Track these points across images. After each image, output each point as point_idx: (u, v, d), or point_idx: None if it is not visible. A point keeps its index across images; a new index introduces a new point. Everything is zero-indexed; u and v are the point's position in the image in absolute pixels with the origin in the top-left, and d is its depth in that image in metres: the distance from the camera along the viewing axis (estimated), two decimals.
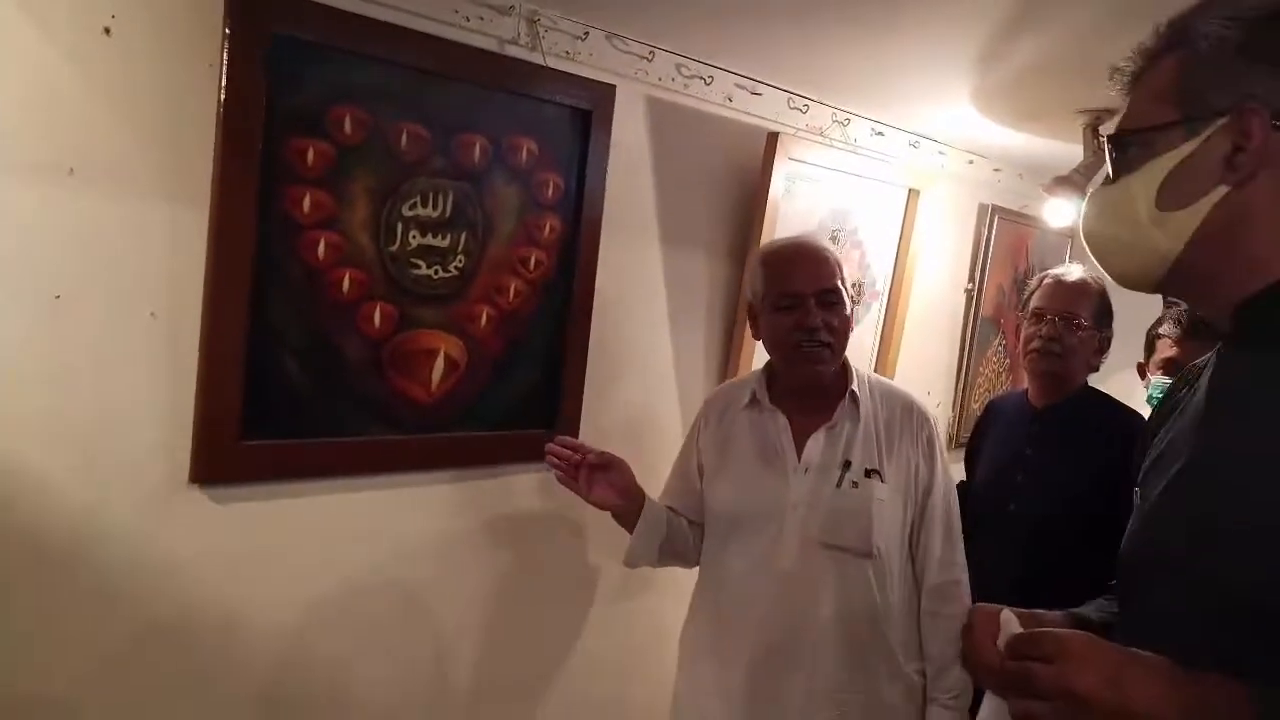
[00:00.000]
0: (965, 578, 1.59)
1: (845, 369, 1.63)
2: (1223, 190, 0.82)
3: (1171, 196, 0.85)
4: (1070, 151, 2.32)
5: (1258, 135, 0.80)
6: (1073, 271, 2.04)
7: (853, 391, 1.60)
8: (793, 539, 1.54)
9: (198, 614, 1.40)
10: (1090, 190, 2.22)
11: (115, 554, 1.31)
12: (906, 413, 1.61)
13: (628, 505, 1.59)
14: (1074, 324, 1.93)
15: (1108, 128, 2.24)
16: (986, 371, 2.96)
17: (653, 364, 2.00)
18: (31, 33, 1.18)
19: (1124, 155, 0.89)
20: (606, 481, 1.56)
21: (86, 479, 1.27)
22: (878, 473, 1.56)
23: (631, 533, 1.61)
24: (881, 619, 1.56)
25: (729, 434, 1.64)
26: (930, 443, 1.60)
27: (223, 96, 1.30)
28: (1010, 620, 0.89)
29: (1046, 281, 2.04)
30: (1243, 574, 0.79)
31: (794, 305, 1.55)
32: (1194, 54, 0.85)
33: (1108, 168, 0.92)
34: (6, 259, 1.19)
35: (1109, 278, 0.93)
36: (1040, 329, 1.96)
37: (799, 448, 1.58)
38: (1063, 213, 2.39)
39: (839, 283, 1.58)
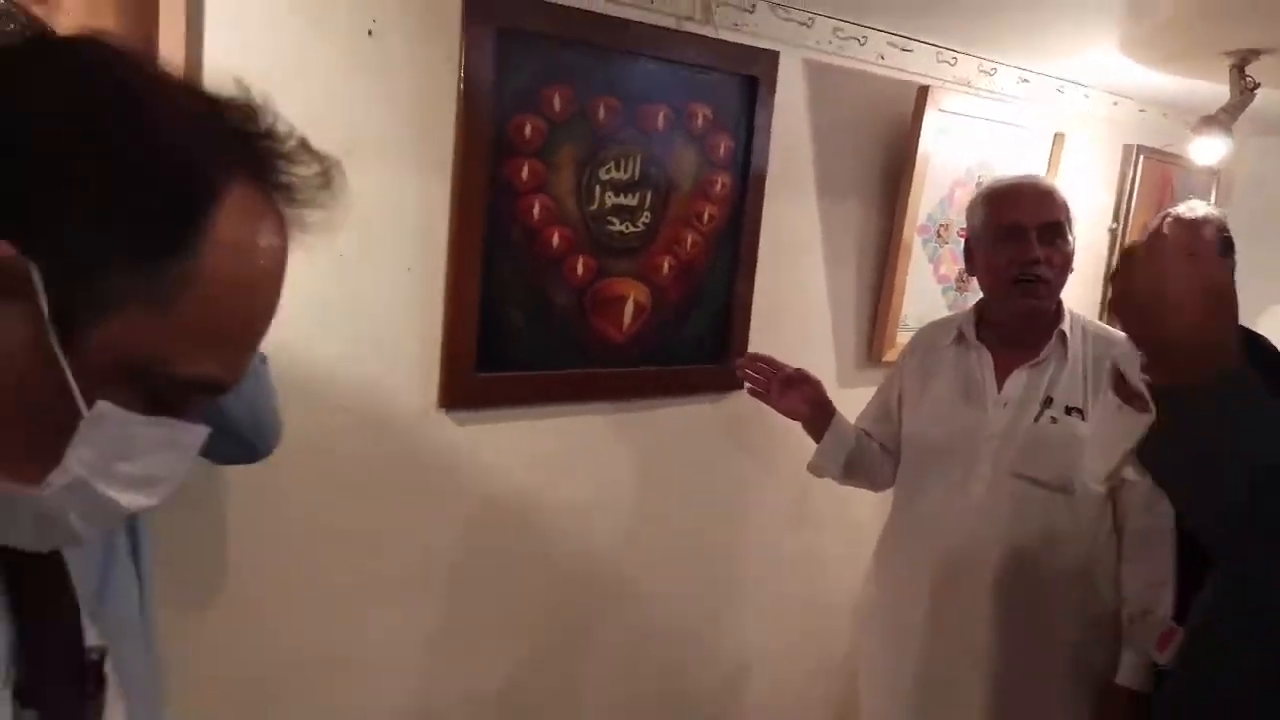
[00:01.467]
0: (1170, 525, 1.58)
1: (1059, 309, 1.69)
2: None
3: None
4: (1215, 91, 2.35)
5: None
6: (1195, 208, 2.11)
7: (1062, 331, 1.66)
8: (986, 469, 1.65)
9: (443, 511, 1.70)
10: (1233, 127, 2.28)
11: (387, 460, 1.61)
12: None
13: (817, 416, 1.75)
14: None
15: (1255, 67, 2.29)
16: None
17: (811, 306, 2.19)
18: (311, 36, 1.44)
19: None
20: (797, 394, 1.73)
21: (365, 401, 1.57)
22: (1079, 411, 1.62)
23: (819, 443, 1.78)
24: (1075, 553, 1.62)
25: (933, 368, 1.77)
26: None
27: (461, 86, 1.55)
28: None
29: (1168, 222, 2.11)
30: None
31: (1015, 237, 1.60)
32: None
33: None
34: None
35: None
36: None
37: (1000, 383, 1.68)
38: (1210, 151, 2.43)
39: (1063, 218, 1.63)
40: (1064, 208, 1.65)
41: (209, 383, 0.56)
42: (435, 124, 1.56)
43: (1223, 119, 2.34)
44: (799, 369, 1.74)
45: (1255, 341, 0.93)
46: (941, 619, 1.69)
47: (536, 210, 1.68)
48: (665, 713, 2.12)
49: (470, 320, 1.64)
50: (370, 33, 1.49)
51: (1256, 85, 2.24)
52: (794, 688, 2.35)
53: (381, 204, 1.53)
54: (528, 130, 1.64)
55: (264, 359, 1.11)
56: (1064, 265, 1.63)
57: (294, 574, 1.55)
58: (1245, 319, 2.21)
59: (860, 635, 1.92)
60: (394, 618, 1.67)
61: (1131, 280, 0.91)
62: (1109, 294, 1.24)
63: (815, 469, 1.83)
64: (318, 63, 1.45)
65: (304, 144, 0.59)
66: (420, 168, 1.56)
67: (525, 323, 1.72)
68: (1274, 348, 0.99)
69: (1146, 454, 0.93)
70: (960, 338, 1.75)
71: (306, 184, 0.58)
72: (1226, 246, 2.22)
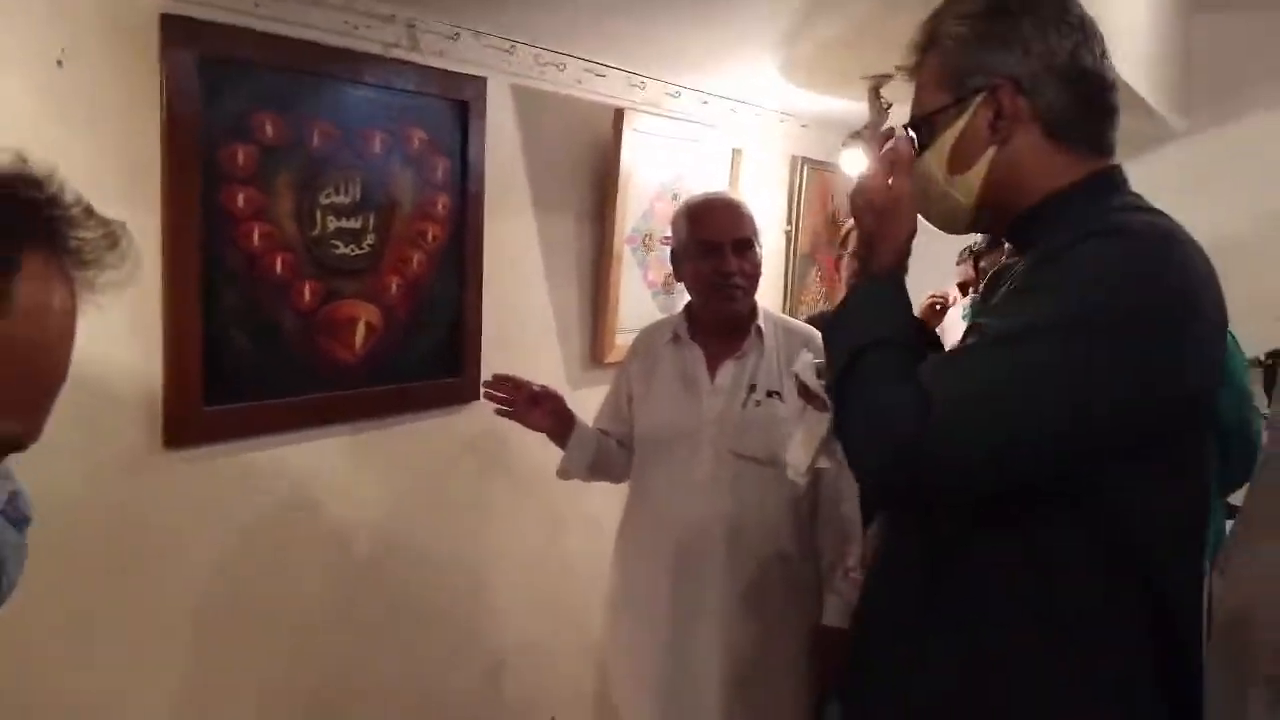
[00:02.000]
0: (856, 490, 1.84)
1: (754, 308, 1.94)
2: (992, 151, 1.09)
3: (958, 163, 1.11)
4: (860, 109, 2.77)
5: (1008, 103, 1.07)
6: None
7: (758, 326, 1.92)
8: (708, 451, 1.86)
9: (172, 559, 1.63)
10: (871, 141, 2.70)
11: (102, 510, 1.52)
12: (803, 346, 1.89)
13: (562, 427, 1.88)
14: None
15: (889, 91, 2.72)
16: (807, 300, 3.44)
17: (536, 316, 2.32)
18: None
19: (919, 136, 1.16)
20: (541, 410, 1.85)
21: (75, 450, 1.47)
22: (778, 394, 1.88)
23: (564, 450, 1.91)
24: (785, 518, 1.87)
25: (654, 367, 1.95)
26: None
27: (165, 114, 1.50)
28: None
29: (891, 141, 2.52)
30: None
31: (713, 251, 1.84)
32: (945, 50, 1.12)
33: (914, 146, 1.18)
34: None
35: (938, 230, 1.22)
36: None
37: (712, 374, 1.90)
38: (857, 161, 2.86)
39: (750, 234, 1.87)
40: (751, 223, 1.90)
41: (9, 439, 0.61)
42: (140, 154, 1.50)
43: (865, 134, 2.76)
44: (542, 386, 1.87)
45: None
46: (681, 592, 1.88)
47: (256, 237, 1.67)
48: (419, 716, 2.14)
49: (193, 352, 1.59)
50: (60, 63, 1.41)
51: (890, 105, 2.67)
52: (549, 681, 2.46)
53: None
54: (240, 157, 1.62)
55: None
56: (754, 273, 1.90)
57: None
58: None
59: (607, 619, 2.07)
60: (136, 681, 1.58)
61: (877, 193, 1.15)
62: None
63: (563, 474, 1.96)
64: (2, 96, 1.35)
65: (88, 209, 0.63)
66: (126, 200, 1.49)
67: (254, 351, 1.69)
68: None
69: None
70: (675, 337, 1.96)
71: (93, 247, 0.63)
72: None
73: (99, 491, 1.51)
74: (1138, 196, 1.13)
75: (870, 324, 1.09)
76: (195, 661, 1.66)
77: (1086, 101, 1.10)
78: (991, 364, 0.99)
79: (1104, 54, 1.12)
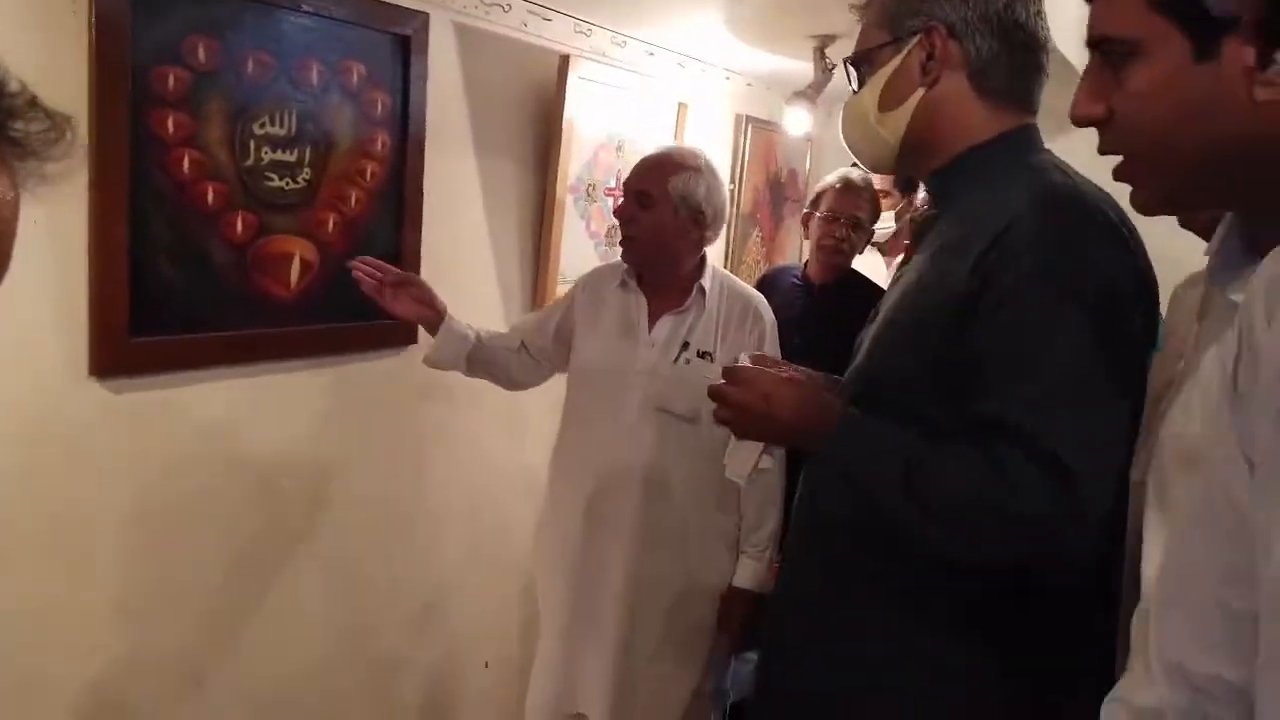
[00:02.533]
0: (771, 465, 1.82)
1: (701, 265, 1.96)
2: (921, 92, 1.13)
3: (888, 101, 1.15)
4: (805, 69, 2.79)
5: (939, 45, 1.11)
6: (855, 177, 2.57)
7: (700, 285, 1.94)
8: (635, 399, 1.90)
9: (106, 483, 1.60)
10: (817, 101, 2.75)
11: (27, 435, 1.49)
12: (744, 311, 1.96)
13: (430, 316, 1.88)
14: (857, 224, 2.48)
15: (833, 50, 2.74)
16: (748, 260, 3.47)
17: (476, 260, 2.30)
18: None
19: (858, 73, 1.21)
20: (407, 295, 1.85)
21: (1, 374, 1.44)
22: (710, 355, 1.91)
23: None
24: (704, 474, 1.89)
25: (599, 307, 1.97)
26: (760, 339, 1.93)
27: (92, 33, 1.45)
28: (743, 358, 1.28)
29: (838, 186, 2.56)
30: (872, 364, 1.19)
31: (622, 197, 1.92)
32: None
33: (852, 84, 1.23)
34: None
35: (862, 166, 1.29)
36: (834, 229, 2.49)
37: (651, 325, 1.93)
38: (800, 121, 2.88)
39: (652, 189, 1.87)
40: (664, 180, 1.88)
41: None
42: (65, 74, 1.45)
43: (809, 94, 2.79)
44: (403, 272, 1.86)
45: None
46: (595, 531, 1.93)
47: (187, 164, 1.62)
48: (358, 660, 2.15)
49: (119, 281, 1.54)
50: None
51: (834, 66, 2.69)
52: (482, 628, 2.48)
53: None
54: (171, 81, 1.58)
55: None
56: (649, 226, 1.89)
57: None
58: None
59: (534, 548, 2.11)
60: (50, 611, 1.55)
61: (737, 407, 1.16)
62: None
63: (431, 363, 1.95)
64: None
65: (32, 100, 0.62)
66: None
67: (184, 283, 1.65)
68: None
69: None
70: (624, 284, 1.98)
71: (38, 139, 0.61)
72: (875, 214, 2.68)
73: (23, 416, 1.48)
74: (1051, 154, 1.17)
75: (879, 453, 1.08)
76: (115, 591, 1.64)
77: (1016, 55, 1.13)
78: (1059, 387, 0.98)
79: (1039, 12, 1.16)
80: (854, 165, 2.91)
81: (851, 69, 1.22)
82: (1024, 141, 1.15)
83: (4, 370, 1.44)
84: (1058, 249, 1.00)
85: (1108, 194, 1.06)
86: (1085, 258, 1.00)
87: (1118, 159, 0.82)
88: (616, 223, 2.58)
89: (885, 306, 1.22)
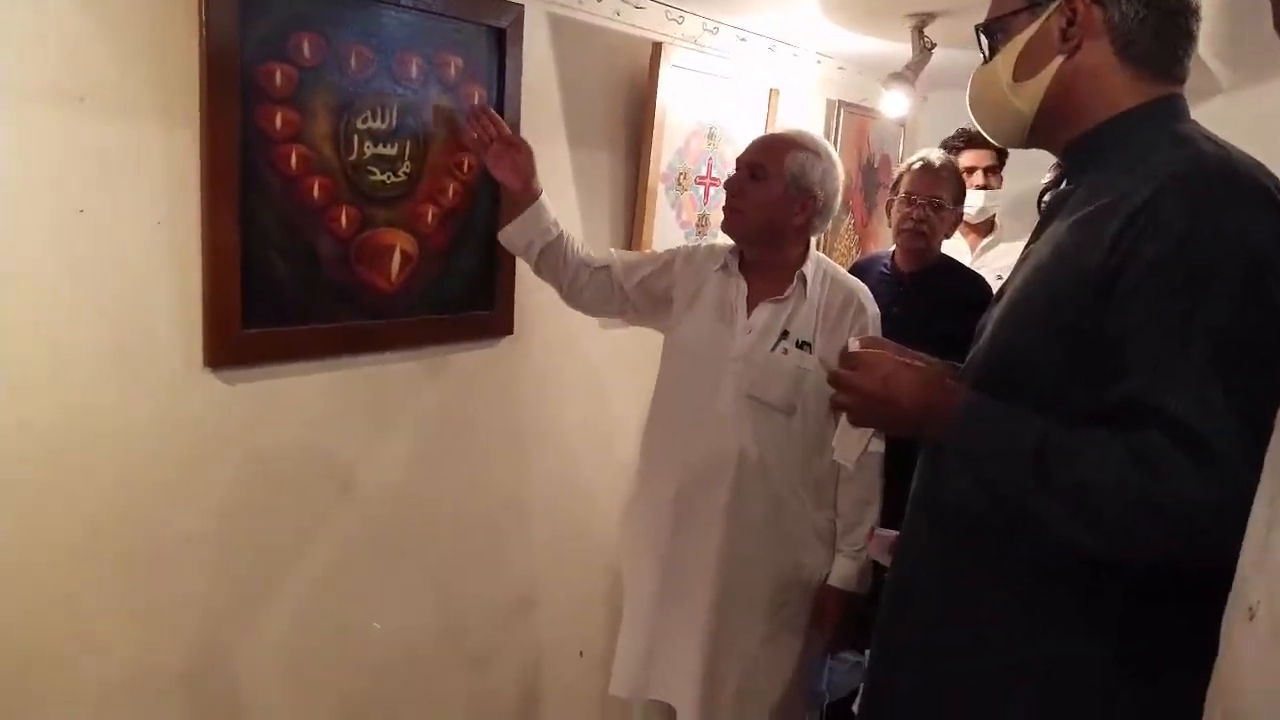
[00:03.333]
0: (880, 451, 1.86)
1: (805, 253, 1.92)
2: (1060, 60, 1.07)
3: (1024, 69, 1.10)
4: (901, 50, 2.71)
5: (1081, 11, 1.05)
6: (934, 158, 2.49)
7: (802, 274, 1.90)
8: (729, 386, 1.86)
9: (214, 472, 1.65)
10: (915, 82, 2.65)
11: (149, 426, 1.54)
12: (847, 302, 1.91)
13: (523, 192, 1.87)
14: (937, 205, 2.38)
15: (932, 30, 2.66)
16: (840, 248, 3.40)
17: None
18: None
19: (990, 40, 1.15)
20: (510, 160, 1.85)
21: (115, 368, 1.49)
22: (809, 345, 1.87)
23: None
24: (799, 468, 1.87)
25: (699, 286, 1.94)
26: (863, 332, 1.87)
27: (203, 31, 1.48)
28: (852, 343, 1.23)
29: (915, 167, 2.47)
30: (1000, 344, 1.12)
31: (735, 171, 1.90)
32: None
33: (983, 51, 1.17)
34: (35, 178, 1.37)
35: (992, 139, 1.20)
36: (913, 211, 2.40)
37: (749, 311, 1.89)
38: (897, 104, 2.80)
39: (767, 162, 1.85)
40: (777, 157, 1.86)
41: None
42: (177, 71, 1.49)
43: (907, 75, 2.70)
44: (518, 138, 1.87)
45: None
46: (685, 519, 1.89)
47: (294, 159, 1.65)
48: (447, 652, 2.17)
49: (232, 275, 1.59)
50: None
51: (933, 45, 2.61)
52: (577, 617, 2.49)
53: (123, 155, 1.45)
54: (278, 77, 1.61)
55: None
56: (756, 200, 1.86)
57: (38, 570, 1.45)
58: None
59: (620, 531, 2.10)
60: (152, 603, 1.60)
61: (857, 392, 1.12)
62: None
63: (506, 240, 1.92)
64: (45, 5, 1.34)
65: None
66: (164, 118, 1.49)
67: (292, 276, 1.69)
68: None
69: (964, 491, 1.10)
70: (724, 266, 1.95)
71: None
72: (959, 194, 2.59)
73: (145, 408, 1.53)
74: (1199, 125, 1.10)
75: (1008, 439, 1.02)
76: (216, 582, 1.69)
77: (1163, 20, 1.06)
78: (1193, 377, 0.92)
79: None
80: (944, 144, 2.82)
81: (983, 36, 1.17)
82: (1169, 111, 1.08)
83: (126, 364, 1.50)
84: (1206, 222, 0.94)
85: (1261, 164, 0.99)
86: (1236, 230, 0.93)
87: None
88: (707, 212, 2.56)
89: (1013, 284, 1.16)
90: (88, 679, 1.51)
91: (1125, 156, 1.06)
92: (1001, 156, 2.90)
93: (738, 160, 1.95)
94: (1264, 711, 0.67)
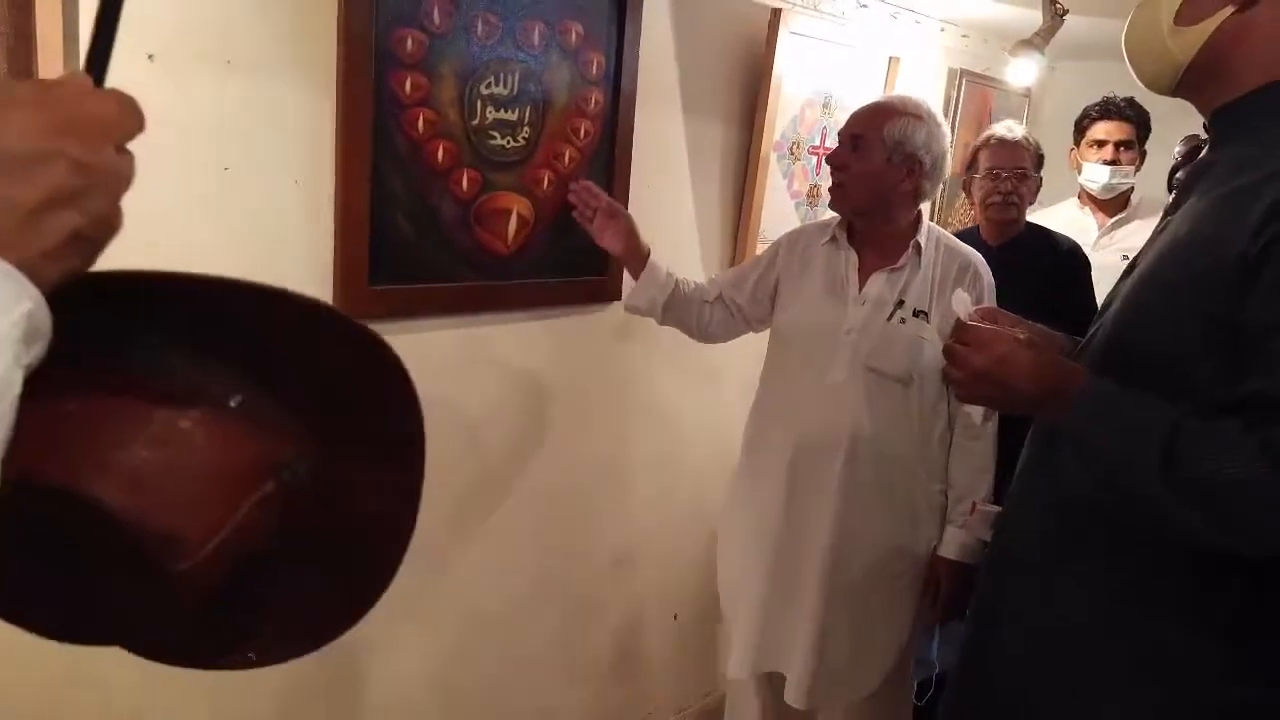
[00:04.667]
0: (994, 421, 1.87)
1: (918, 221, 1.90)
2: (1228, 11, 1.01)
3: (1188, 14, 1.04)
4: (1029, 17, 2.61)
5: None
6: (1013, 129, 2.42)
7: (917, 242, 1.88)
8: (844, 358, 1.85)
9: None
10: (1044, 51, 2.54)
11: None
12: (962, 270, 1.88)
13: (632, 253, 1.91)
14: (1022, 175, 2.33)
15: None
16: (954, 222, 3.31)
17: (679, 219, 2.32)
18: None
19: None
20: (614, 228, 1.89)
21: None
22: (925, 314, 1.84)
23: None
24: (914, 438, 1.86)
25: (806, 264, 1.95)
26: (979, 300, 1.83)
27: None
28: (962, 304, 1.21)
29: (992, 142, 2.41)
30: (1128, 324, 1.08)
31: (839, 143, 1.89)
32: None
33: None
34: (189, 136, 1.45)
35: (1139, 81, 1.13)
36: (999, 185, 2.34)
37: (861, 283, 1.88)
38: (1025, 72, 2.70)
39: (866, 132, 1.83)
40: (882, 124, 1.82)
41: None
42: (315, 35, 1.56)
43: (1036, 42, 2.60)
44: (618, 205, 1.91)
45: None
46: (797, 491, 1.90)
47: (421, 123, 1.71)
48: (553, 604, 2.24)
49: (361, 233, 1.66)
50: None
51: (1065, 11, 2.50)
52: (673, 581, 2.54)
53: (265, 116, 1.53)
54: (409, 43, 1.66)
55: None
56: (860, 172, 1.83)
57: None
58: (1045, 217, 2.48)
59: (727, 506, 2.12)
60: None
61: (970, 369, 1.09)
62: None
63: (630, 306, 1.98)
64: None
65: None
66: (302, 79, 1.56)
67: (415, 236, 1.76)
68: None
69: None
70: (833, 239, 1.94)
71: None
72: (1039, 162, 2.53)
73: None
74: None
75: (1132, 429, 0.99)
76: None
77: None
78: None
79: None
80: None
81: None
82: None
83: None
84: None
85: None
86: None
87: None
88: (819, 182, 2.54)
89: (1145, 260, 1.12)
90: None
91: (1276, 131, 1.01)
92: (1140, 132, 2.75)
93: (839, 133, 1.93)
94: None
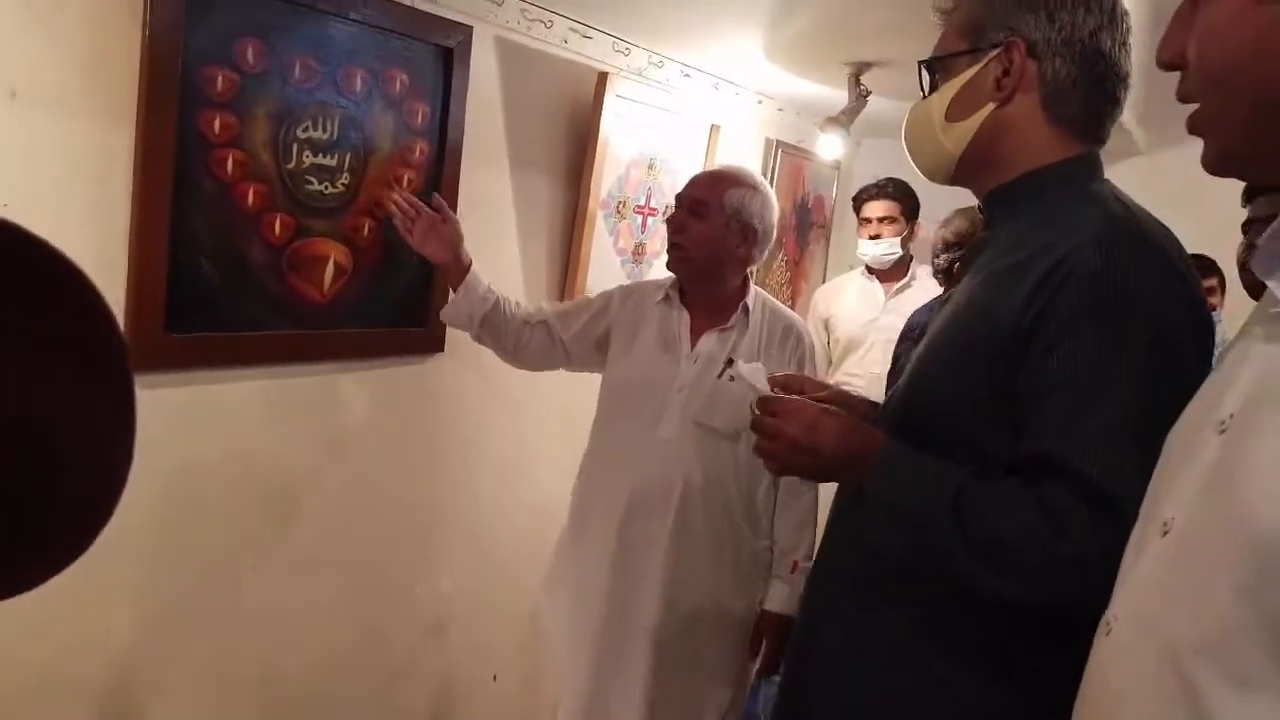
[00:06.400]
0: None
1: (745, 285, 1.98)
2: (991, 107, 1.11)
3: (957, 110, 1.13)
4: (838, 96, 2.80)
5: (1017, 62, 1.09)
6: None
7: (745, 304, 1.96)
8: (674, 414, 1.89)
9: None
10: (850, 128, 2.74)
11: None
12: (786, 333, 1.98)
13: (455, 264, 1.89)
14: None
15: (868, 78, 2.75)
16: (772, 283, 3.47)
17: (505, 272, 2.31)
18: None
19: (930, 77, 1.19)
20: (437, 237, 1.86)
21: None
22: None
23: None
24: (741, 494, 1.91)
25: (641, 320, 1.98)
26: (800, 362, 1.95)
27: (146, 31, 1.47)
28: (757, 373, 1.27)
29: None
30: (919, 389, 1.16)
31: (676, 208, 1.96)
32: (979, 1, 1.14)
33: (923, 87, 1.20)
34: None
35: (919, 174, 1.22)
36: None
37: (693, 341, 1.94)
38: (832, 147, 2.89)
39: (708, 198, 1.90)
40: (720, 194, 1.91)
41: None
42: (116, 70, 1.47)
43: (842, 120, 2.79)
44: (443, 211, 1.88)
45: None
46: (627, 545, 1.91)
47: (230, 164, 1.64)
48: (369, 664, 2.14)
49: (158, 278, 1.56)
50: None
51: (869, 93, 2.70)
52: (492, 640, 2.47)
53: (51, 152, 1.42)
54: (220, 81, 1.59)
55: None
56: (699, 237, 1.91)
57: None
58: (838, 286, 2.65)
59: (552, 562, 2.09)
60: (81, 598, 1.55)
61: (780, 439, 1.13)
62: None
63: (448, 319, 1.96)
64: None
65: None
66: (99, 115, 1.46)
67: (221, 282, 1.66)
68: None
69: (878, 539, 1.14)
70: (666, 298, 1.99)
71: None
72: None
73: None
74: (1111, 184, 1.16)
75: (925, 487, 1.06)
76: (134, 584, 1.64)
77: (1093, 85, 1.11)
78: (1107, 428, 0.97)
79: (1124, 45, 1.13)
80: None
81: (925, 72, 1.20)
82: (1086, 169, 1.13)
83: None
84: (1116, 285, 0.99)
85: (1164, 226, 1.06)
86: (1143, 294, 0.99)
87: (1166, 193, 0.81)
88: (644, 241, 2.60)
89: (933, 329, 1.21)
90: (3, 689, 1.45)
91: (1039, 210, 1.12)
92: (906, 206, 3.11)
93: (678, 198, 1.99)
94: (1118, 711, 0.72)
